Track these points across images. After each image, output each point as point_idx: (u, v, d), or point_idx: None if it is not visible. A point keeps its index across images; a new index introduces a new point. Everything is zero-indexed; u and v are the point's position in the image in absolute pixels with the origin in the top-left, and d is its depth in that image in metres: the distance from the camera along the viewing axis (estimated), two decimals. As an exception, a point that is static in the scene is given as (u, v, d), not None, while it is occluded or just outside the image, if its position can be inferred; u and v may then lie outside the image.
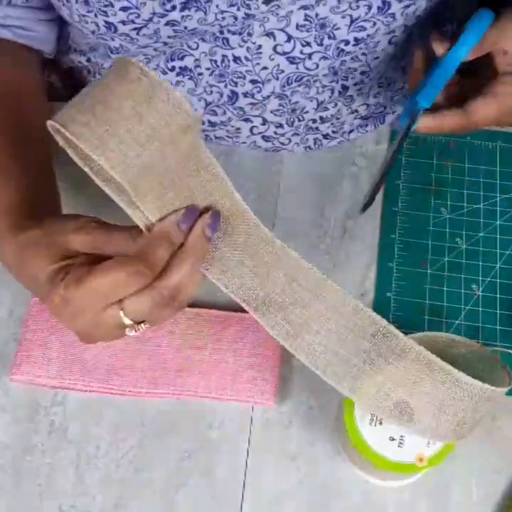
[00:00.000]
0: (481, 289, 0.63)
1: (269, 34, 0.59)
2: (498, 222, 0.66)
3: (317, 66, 0.62)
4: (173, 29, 0.57)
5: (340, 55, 0.62)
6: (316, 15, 0.58)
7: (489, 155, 0.71)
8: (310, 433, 0.57)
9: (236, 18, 0.57)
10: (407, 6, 0.58)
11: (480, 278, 0.64)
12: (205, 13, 0.56)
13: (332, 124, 0.70)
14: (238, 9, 0.56)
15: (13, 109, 0.60)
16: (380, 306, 0.63)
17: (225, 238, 0.45)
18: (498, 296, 0.63)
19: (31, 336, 0.60)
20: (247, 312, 0.63)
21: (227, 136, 0.71)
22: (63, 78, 0.78)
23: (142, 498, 0.55)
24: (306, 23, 0.58)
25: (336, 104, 0.68)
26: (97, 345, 0.60)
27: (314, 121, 0.69)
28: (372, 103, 0.70)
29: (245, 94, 0.65)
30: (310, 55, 0.61)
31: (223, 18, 0.56)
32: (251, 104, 0.66)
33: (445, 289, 0.63)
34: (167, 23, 0.56)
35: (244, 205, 0.46)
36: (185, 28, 0.57)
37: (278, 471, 0.56)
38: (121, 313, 0.43)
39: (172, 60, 0.63)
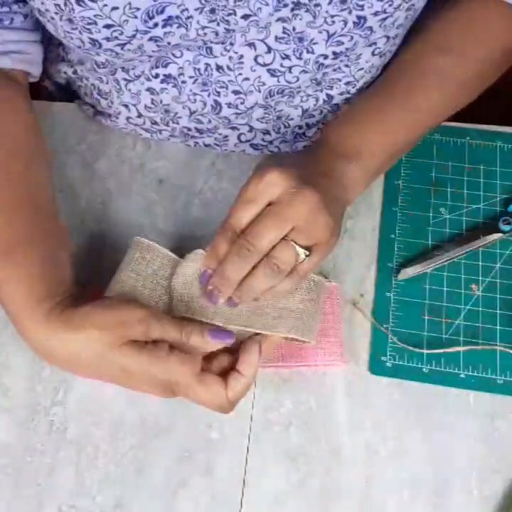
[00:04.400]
0: (481, 289, 0.63)
1: (250, 44, 0.60)
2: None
3: (298, 79, 0.62)
4: (157, 44, 0.58)
5: (320, 69, 0.61)
6: (293, 28, 0.58)
7: (489, 155, 0.71)
8: (310, 433, 0.57)
9: (217, 34, 0.57)
10: (384, 19, 0.58)
11: (480, 278, 0.64)
12: (187, 29, 0.56)
13: (319, 129, 0.70)
14: (218, 25, 0.56)
15: (20, 177, 0.59)
16: (379, 306, 0.63)
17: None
18: (498, 296, 0.63)
19: None
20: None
21: (215, 143, 0.70)
22: (56, 84, 0.78)
23: (142, 498, 0.55)
24: (285, 36, 0.59)
25: (321, 112, 0.68)
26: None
27: (300, 127, 0.69)
28: None
29: (229, 105, 0.65)
30: (290, 69, 0.61)
31: (205, 34, 0.57)
32: (235, 114, 0.66)
33: (445, 289, 0.63)
34: (150, 39, 0.57)
35: None
36: (169, 43, 0.58)
37: (278, 471, 0.56)
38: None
39: (157, 67, 0.63)
